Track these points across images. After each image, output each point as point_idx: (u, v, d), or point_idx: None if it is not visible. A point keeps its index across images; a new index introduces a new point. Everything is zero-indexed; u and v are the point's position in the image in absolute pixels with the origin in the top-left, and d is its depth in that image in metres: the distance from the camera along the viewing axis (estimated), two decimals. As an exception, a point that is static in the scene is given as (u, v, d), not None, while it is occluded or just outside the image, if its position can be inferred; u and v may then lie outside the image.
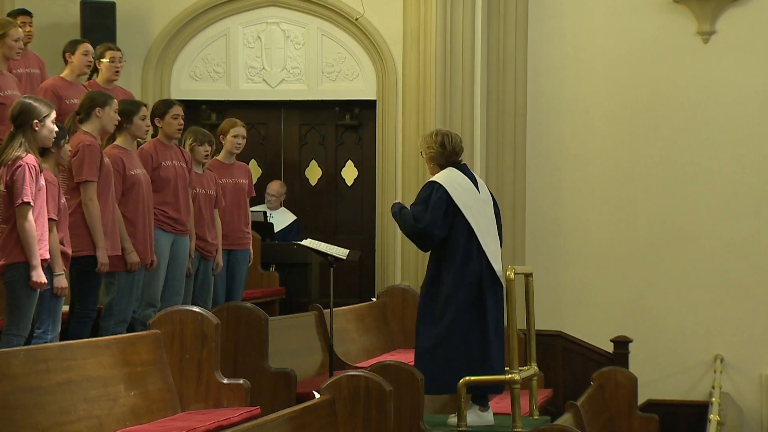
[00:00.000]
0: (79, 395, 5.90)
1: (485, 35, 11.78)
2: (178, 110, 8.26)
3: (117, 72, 8.88)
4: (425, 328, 7.60)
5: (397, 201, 8.01)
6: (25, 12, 10.23)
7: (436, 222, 7.49)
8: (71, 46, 8.72)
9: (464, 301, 7.52)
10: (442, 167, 7.68)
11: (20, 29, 8.35)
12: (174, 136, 8.26)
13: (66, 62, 8.76)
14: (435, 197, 7.53)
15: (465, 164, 7.80)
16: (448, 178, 7.62)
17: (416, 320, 7.73)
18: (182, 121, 8.28)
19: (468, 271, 7.53)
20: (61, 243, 6.62)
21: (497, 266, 7.59)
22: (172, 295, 8.09)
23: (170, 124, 8.19)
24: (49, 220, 6.48)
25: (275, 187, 11.64)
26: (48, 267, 6.44)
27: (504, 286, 7.60)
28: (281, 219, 11.47)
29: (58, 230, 6.58)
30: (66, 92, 8.49)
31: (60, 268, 6.57)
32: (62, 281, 6.58)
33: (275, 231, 11.20)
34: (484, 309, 7.56)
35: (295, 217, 11.66)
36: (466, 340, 7.52)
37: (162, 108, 8.25)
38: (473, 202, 7.62)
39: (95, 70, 8.94)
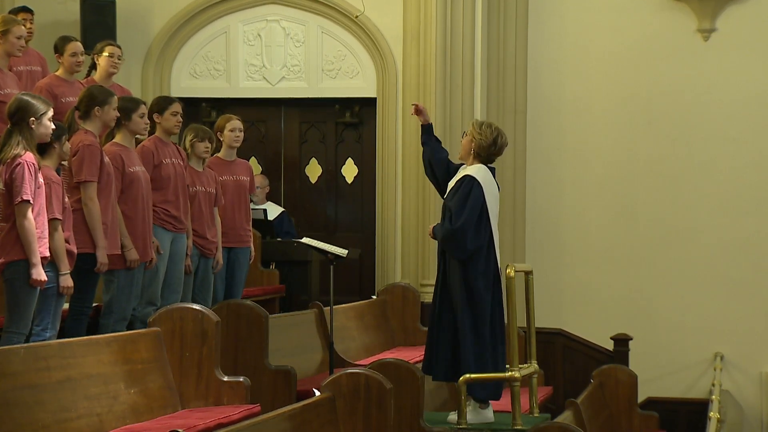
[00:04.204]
0: (79, 393, 5.90)
1: (485, 33, 11.77)
2: (177, 107, 8.25)
3: (114, 67, 8.87)
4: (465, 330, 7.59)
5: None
6: (26, 9, 10.24)
7: (471, 222, 7.48)
8: (60, 45, 8.70)
9: (486, 304, 7.55)
10: (475, 158, 7.67)
11: (23, 27, 8.36)
12: (172, 132, 8.25)
13: (58, 61, 8.76)
14: (474, 194, 7.51)
15: (494, 168, 7.80)
16: (484, 178, 7.61)
17: (461, 323, 7.60)
18: (181, 118, 8.28)
19: (490, 271, 7.55)
20: (67, 242, 6.62)
21: (503, 279, 7.63)
22: (171, 293, 8.08)
23: (169, 120, 8.18)
24: (54, 219, 6.48)
25: (258, 179, 11.45)
26: (49, 265, 6.44)
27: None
28: (270, 211, 11.38)
29: (63, 229, 6.57)
30: (61, 90, 8.48)
31: (66, 268, 6.56)
32: (68, 281, 6.57)
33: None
34: (501, 313, 7.61)
35: (283, 209, 11.61)
36: (488, 341, 7.55)
37: (161, 104, 8.24)
38: (495, 208, 7.65)
39: (93, 66, 8.94)
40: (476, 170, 7.64)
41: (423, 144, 8.05)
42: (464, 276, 7.53)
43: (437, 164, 7.91)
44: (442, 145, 8.11)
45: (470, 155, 7.69)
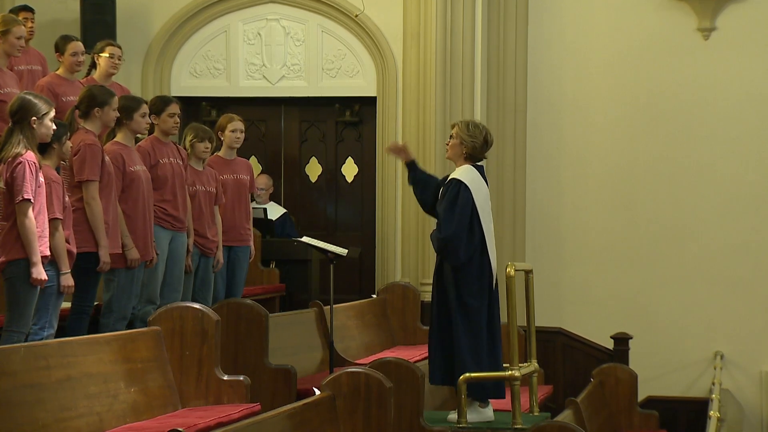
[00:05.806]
0: (79, 392, 5.91)
1: (485, 32, 11.78)
2: (175, 108, 8.23)
3: (114, 67, 8.87)
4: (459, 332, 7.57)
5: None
6: (27, 8, 10.25)
7: (461, 232, 7.44)
8: (62, 45, 8.70)
9: (480, 304, 7.53)
10: (466, 159, 7.64)
11: (23, 27, 8.36)
12: (170, 133, 8.24)
13: (59, 60, 8.76)
14: (462, 197, 7.48)
15: (482, 166, 7.78)
16: (473, 179, 7.57)
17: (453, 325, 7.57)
18: (178, 119, 8.26)
19: (484, 272, 7.53)
20: (66, 241, 6.62)
21: (503, 278, 7.62)
22: (171, 292, 8.08)
23: (166, 121, 8.17)
24: (55, 219, 6.48)
25: (263, 180, 11.46)
26: (49, 264, 6.44)
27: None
28: (272, 212, 11.40)
29: (63, 229, 6.58)
30: (63, 89, 8.49)
31: (66, 267, 6.57)
32: (69, 280, 6.58)
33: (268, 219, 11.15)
34: (496, 311, 7.60)
35: (285, 210, 11.62)
36: (483, 341, 7.54)
37: (159, 105, 8.21)
38: (486, 206, 7.62)
39: (93, 65, 8.94)
40: (463, 172, 7.60)
41: (411, 184, 7.86)
42: (456, 281, 7.52)
43: (428, 202, 7.80)
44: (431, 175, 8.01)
45: (461, 157, 7.67)
